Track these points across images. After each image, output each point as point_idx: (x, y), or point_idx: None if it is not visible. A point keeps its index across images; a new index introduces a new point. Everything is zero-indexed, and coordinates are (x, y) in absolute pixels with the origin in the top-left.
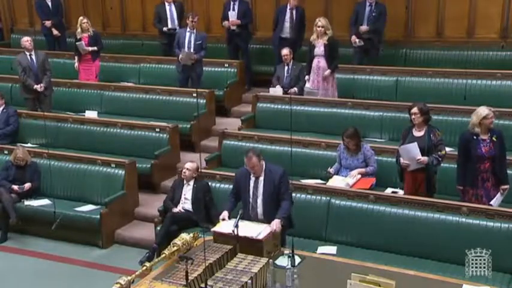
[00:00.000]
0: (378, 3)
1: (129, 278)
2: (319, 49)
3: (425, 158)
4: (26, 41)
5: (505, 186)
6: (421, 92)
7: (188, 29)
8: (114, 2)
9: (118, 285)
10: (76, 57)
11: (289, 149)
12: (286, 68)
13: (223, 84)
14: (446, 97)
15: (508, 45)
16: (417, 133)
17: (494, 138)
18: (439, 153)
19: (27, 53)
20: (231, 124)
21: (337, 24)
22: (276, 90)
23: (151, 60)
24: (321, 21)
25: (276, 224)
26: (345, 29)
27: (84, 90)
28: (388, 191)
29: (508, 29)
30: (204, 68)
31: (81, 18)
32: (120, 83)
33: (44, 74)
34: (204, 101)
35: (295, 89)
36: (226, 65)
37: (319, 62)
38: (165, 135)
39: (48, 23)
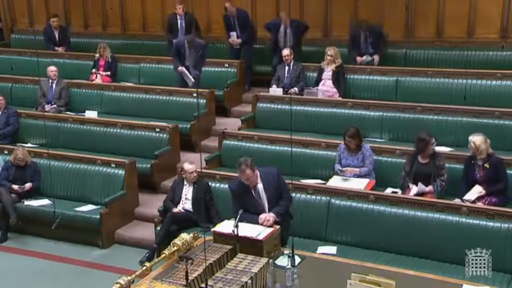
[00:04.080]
0: (373, 28)
1: (129, 278)
2: (327, 73)
3: (430, 188)
4: (51, 71)
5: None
6: (421, 92)
7: (187, 45)
8: (114, 2)
9: (118, 285)
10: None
11: (289, 149)
12: (286, 68)
13: (223, 84)
14: (446, 97)
15: (508, 45)
16: (423, 160)
17: (487, 165)
18: (442, 177)
19: (50, 81)
20: (231, 124)
21: (337, 24)
22: (276, 90)
23: (151, 60)
24: (330, 51)
25: (269, 215)
26: (345, 28)
27: (84, 90)
28: (388, 191)
29: (508, 29)
30: (203, 68)
31: (100, 44)
32: (120, 83)
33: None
34: (204, 101)
35: (296, 89)
36: (226, 65)
37: (325, 82)
38: (165, 135)
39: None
